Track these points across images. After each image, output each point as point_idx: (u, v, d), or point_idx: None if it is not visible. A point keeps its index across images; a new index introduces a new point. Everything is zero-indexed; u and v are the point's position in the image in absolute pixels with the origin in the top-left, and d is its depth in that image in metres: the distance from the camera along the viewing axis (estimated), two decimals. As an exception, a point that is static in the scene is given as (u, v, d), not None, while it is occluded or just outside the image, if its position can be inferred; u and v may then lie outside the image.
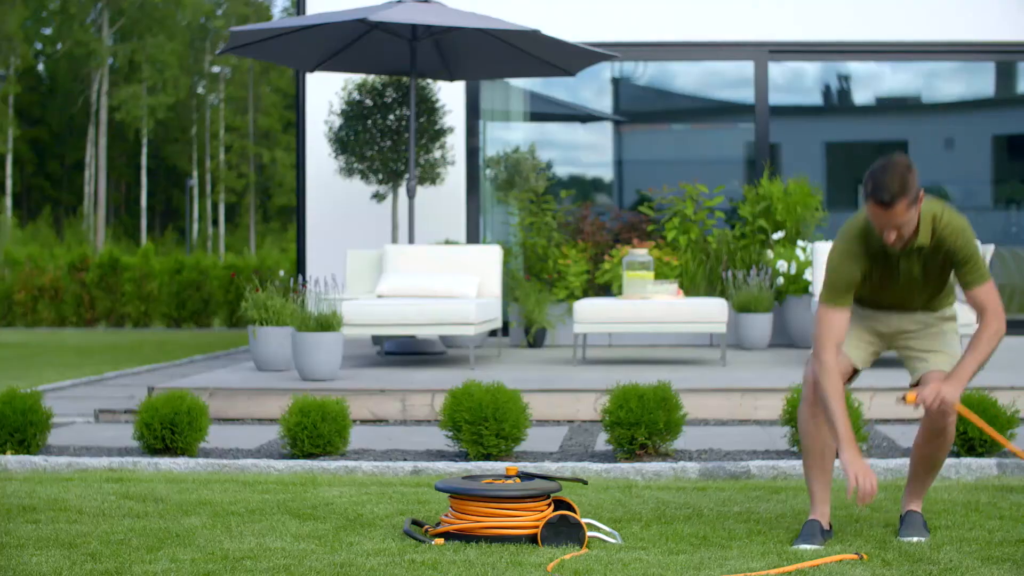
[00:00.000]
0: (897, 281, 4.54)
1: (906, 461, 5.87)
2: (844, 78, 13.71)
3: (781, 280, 11.03)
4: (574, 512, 4.55)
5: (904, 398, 4.38)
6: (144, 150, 51.65)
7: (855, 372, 4.71)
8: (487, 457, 6.19)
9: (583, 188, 13.67)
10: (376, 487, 5.57)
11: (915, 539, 4.47)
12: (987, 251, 8.66)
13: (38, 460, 6.11)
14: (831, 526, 4.61)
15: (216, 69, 54.57)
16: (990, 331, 4.43)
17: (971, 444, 6.05)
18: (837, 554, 4.25)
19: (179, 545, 4.40)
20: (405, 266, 10.00)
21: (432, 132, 11.60)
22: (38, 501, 5.22)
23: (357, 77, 11.80)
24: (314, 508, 5.07)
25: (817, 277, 9.74)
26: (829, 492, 4.63)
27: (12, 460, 6.12)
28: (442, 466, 5.99)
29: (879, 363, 9.30)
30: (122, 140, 54.25)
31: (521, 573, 3.99)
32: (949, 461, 5.85)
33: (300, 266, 12.79)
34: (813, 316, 9.67)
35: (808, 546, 4.37)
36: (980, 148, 13.82)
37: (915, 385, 4.65)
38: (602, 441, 6.78)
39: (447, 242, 11.56)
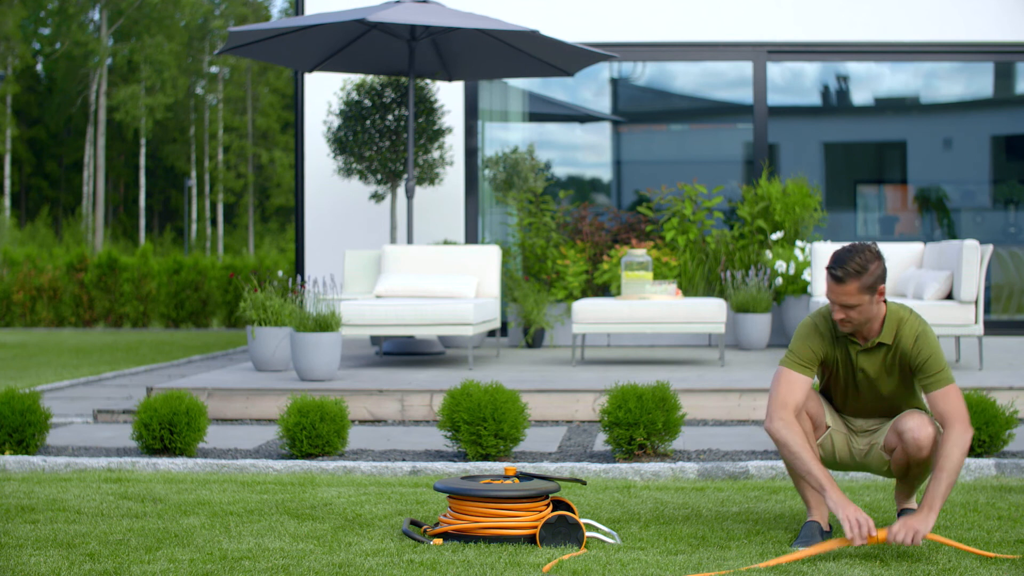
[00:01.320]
0: (858, 387, 4.54)
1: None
2: (843, 78, 13.72)
3: (780, 280, 11.03)
4: (573, 512, 4.55)
5: (869, 536, 4.17)
6: (142, 150, 51.64)
7: (826, 428, 4.63)
8: (486, 457, 6.19)
9: (582, 188, 13.68)
10: (375, 487, 5.57)
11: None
12: (986, 251, 8.66)
13: (36, 460, 6.11)
14: (831, 527, 4.61)
15: (214, 69, 54.57)
16: (958, 445, 4.28)
17: (970, 444, 6.04)
18: (836, 555, 4.25)
19: (178, 545, 4.39)
20: (403, 266, 10.00)
21: (431, 132, 11.60)
22: (36, 501, 5.21)
23: (356, 77, 11.80)
24: (313, 508, 5.07)
25: (816, 277, 9.74)
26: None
27: (10, 460, 6.12)
28: (440, 466, 5.99)
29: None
30: (120, 140, 54.25)
31: (520, 573, 3.99)
32: (948, 461, 5.84)
33: (299, 266, 12.79)
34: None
35: (806, 547, 4.37)
36: (979, 148, 13.82)
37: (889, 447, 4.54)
38: (601, 441, 6.78)
39: (445, 242, 11.55)
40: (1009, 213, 13.60)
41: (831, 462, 4.68)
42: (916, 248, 9.68)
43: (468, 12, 10.22)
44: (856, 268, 4.33)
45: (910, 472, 4.54)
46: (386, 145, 11.47)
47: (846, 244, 4.48)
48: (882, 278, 4.38)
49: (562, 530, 4.39)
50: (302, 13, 12.74)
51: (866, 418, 4.66)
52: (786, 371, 4.51)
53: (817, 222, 11.67)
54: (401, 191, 11.96)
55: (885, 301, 4.47)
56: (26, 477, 5.90)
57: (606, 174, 13.99)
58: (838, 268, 4.34)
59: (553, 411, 7.63)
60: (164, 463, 6.08)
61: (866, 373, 4.52)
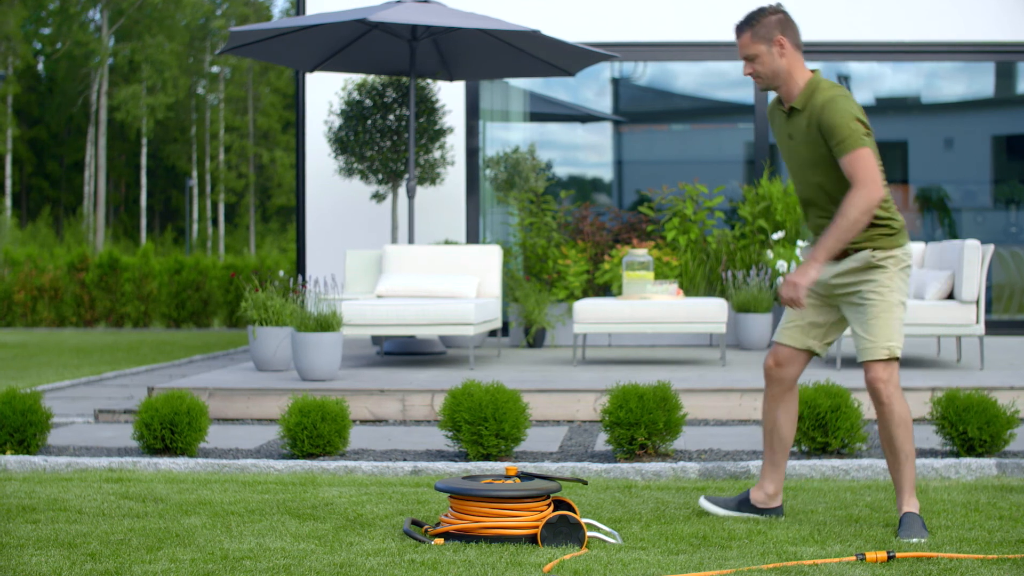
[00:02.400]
0: (790, 155, 4.78)
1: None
2: (843, 78, 13.71)
3: (781, 280, 11.03)
4: (574, 512, 4.55)
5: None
6: (143, 150, 51.65)
7: (810, 354, 4.84)
8: (487, 457, 6.19)
9: (583, 188, 13.68)
10: (376, 487, 5.57)
11: (915, 540, 4.47)
12: (987, 251, 8.66)
13: (38, 460, 6.11)
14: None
15: (216, 69, 54.57)
16: (854, 204, 4.49)
17: (971, 444, 6.05)
18: (837, 555, 4.25)
19: (179, 545, 4.40)
20: (405, 266, 10.00)
21: (432, 132, 11.60)
22: (38, 501, 5.22)
23: (357, 77, 11.80)
24: (314, 508, 5.07)
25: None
26: (770, 470, 4.89)
27: (12, 460, 6.12)
28: (442, 466, 5.99)
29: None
30: (122, 140, 54.25)
31: (521, 573, 3.99)
32: (949, 461, 5.84)
33: (300, 266, 12.79)
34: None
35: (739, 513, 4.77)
36: (979, 148, 13.82)
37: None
38: (602, 441, 6.78)
39: (447, 242, 11.55)
40: (1010, 213, 13.60)
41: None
42: (917, 248, 9.67)
43: (469, 12, 10.22)
44: (749, 20, 4.69)
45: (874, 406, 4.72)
46: (387, 145, 11.47)
47: None
48: (779, 29, 4.68)
49: (563, 530, 4.39)
50: (303, 13, 12.74)
51: (809, 203, 4.79)
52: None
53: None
54: (402, 191, 11.96)
55: (813, 74, 4.71)
56: (27, 477, 5.90)
57: (607, 174, 13.99)
58: (736, 25, 4.72)
59: (554, 411, 7.63)
60: (165, 463, 6.09)
61: (793, 139, 4.75)
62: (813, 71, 4.74)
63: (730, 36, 12.62)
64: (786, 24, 4.69)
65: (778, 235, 11.40)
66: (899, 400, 4.60)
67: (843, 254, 4.68)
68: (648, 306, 9.30)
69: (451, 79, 11.52)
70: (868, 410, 7.48)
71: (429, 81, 11.76)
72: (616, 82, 13.77)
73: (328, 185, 12.58)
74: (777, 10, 4.71)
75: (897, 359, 4.62)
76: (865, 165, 4.50)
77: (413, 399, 7.69)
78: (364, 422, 7.65)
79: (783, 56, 4.68)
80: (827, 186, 4.69)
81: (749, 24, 4.69)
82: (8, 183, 48.48)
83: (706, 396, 7.62)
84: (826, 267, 4.71)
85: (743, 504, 4.91)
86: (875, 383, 4.58)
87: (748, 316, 10.73)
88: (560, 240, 11.89)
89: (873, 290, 4.63)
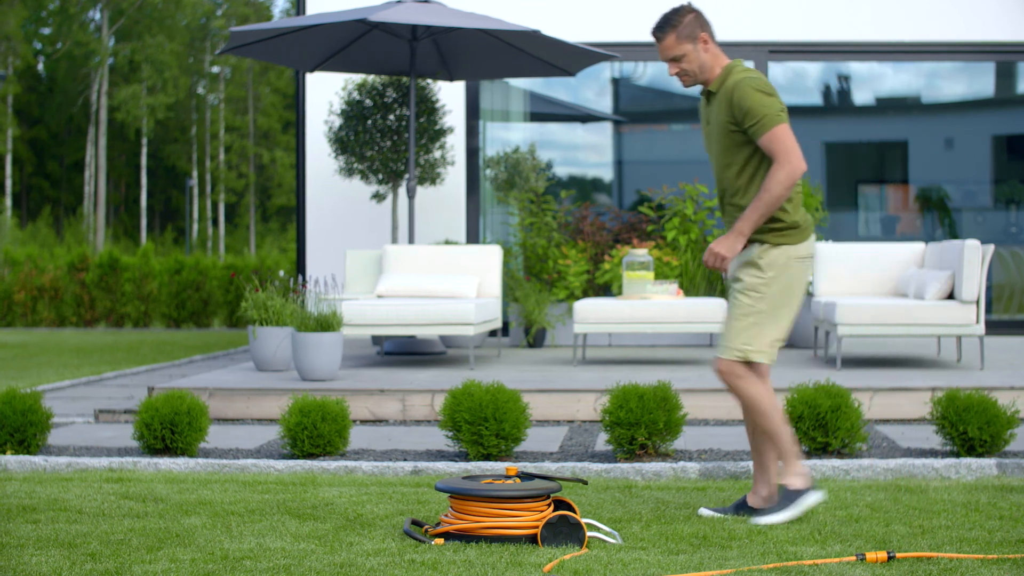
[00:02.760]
0: (708, 136, 4.88)
1: (906, 461, 5.87)
2: (844, 78, 13.72)
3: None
4: (574, 512, 4.55)
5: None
6: (144, 150, 51.66)
7: None
8: (487, 457, 6.19)
9: (583, 188, 13.68)
10: (376, 487, 5.57)
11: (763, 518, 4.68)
12: (987, 251, 8.66)
13: (38, 460, 6.11)
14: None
15: (216, 69, 54.57)
16: (775, 178, 4.62)
17: (971, 444, 6.05)
18: (837, 555, 4.25)
19: (179, 545, 4.40)
20: (405, 266, 10.00)
21: (432, 132, 11.60)
22: (38, 501, 5.22)
23: (357, 77, 11.80)
24: (314, 508, 5.07)
25: (817, 277, 9.74)
26: (760, 473, 4.93)
27: (12, 460, 6.12)
28: (442, 466, 5.99)
29: (879, 363, 9.31)
30: (122, 140, 54.26)
31: (521, 573, 3.99)
32: (949, 461, 5.84)
33: (300, 266, 12.79)
34: (812, 316, 9.68)
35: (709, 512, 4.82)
36: (980, 148, 13.82)
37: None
38: (602, 441, 6.78)
39: (447, 242, 11.55)
40: (1010, 213, 13.60)
41: None
42: (917, 248, 9.68)
43: (469, 12, 10.22)
44: (671, 21, 4.76)
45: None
46: (387, 145, 11.47)
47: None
48: (700, 27, 4.78)
49: (563, 530, 4.39)
50: (303, 13, 12.74)
51: (723, 188, 4.88)
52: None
53: (819, 222, 11.67)
54: (402, 191, 11.96)
55: (731, 60, 4.83)
56: (27, 477, 5.90)
57: (607, 174, 13.99)
58: (656, 28, 4.79)
59: (554, 411, 7.63)
60: (165, 463, 6.09)
61: (710, 124, 4.86)
62: (709, 39, 4.84)
63: (730, 36, 12.65)
64: (703, 20, 4.82)
65: (778, 235, 11.38)
66: (743, 388, 4.79)
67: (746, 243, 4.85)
68: (648, 306, 9.30)
69: (451, 79, 11.52)
70: (868, 411, 7.49)
71: (429, 81, 11.76)
72: (616, 82, 13.77)
73: (328, 185, 12.58)
74: (691, 8, 4.81)
75: (751, 362, 4.79)
76: (784, 141, 4.66)
77: (413, 399, 7.69)
78: (364, 422, 7.65)
79: (707, 51, 4.80)
80: (736, 171, 4.82)
81: (672, 26, 4.76)
82: (8, 183, 48.49)
83: (706, 396, 7.62)
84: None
85: (740, 509, 4.92)
86: (718, 375, 4.83)
87: (748, 316, 10.71)
88: (560, 240, 11.89)
89: (745, 292, 4.78)
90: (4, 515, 4.93)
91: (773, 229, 4.75)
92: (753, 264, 4.78)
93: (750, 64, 4.92)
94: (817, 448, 6.15)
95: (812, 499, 4.79)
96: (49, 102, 53.65)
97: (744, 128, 4.72)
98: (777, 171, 4.63)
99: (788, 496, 4.79)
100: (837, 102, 13.97)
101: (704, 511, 4.93)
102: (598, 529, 4.57)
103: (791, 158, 4.63)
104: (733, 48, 12.75)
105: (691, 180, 12.12)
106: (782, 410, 4.91)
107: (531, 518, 4.42)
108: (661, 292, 9.55)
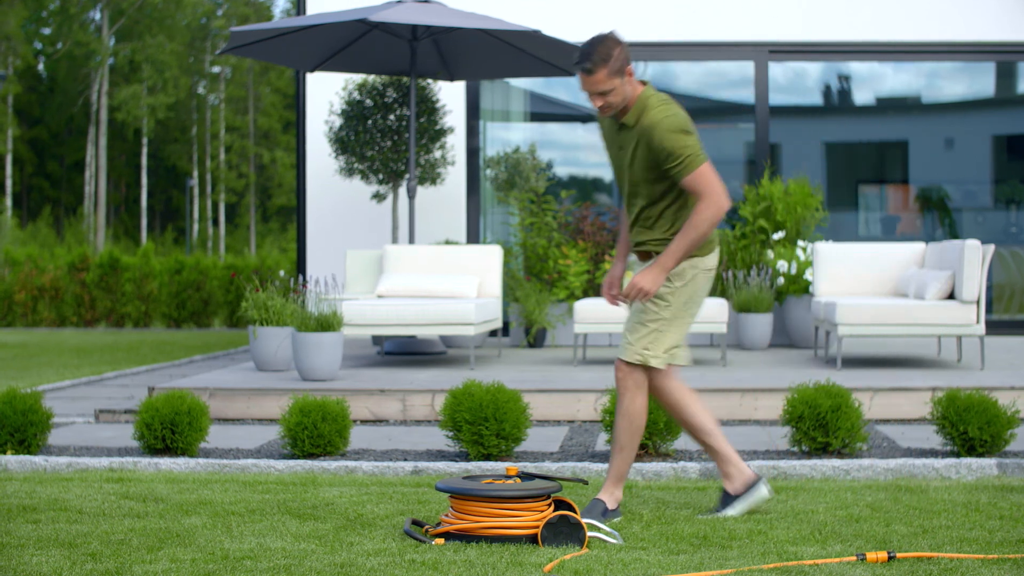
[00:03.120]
0: (620, 161, 4.86)
1: (906, 461, 5.87)
2: (844, 78, 13.71)
3: (781, 280, 11.03)
4: (574, 512, 4.55)
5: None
6: (144, 150, 51.65)
7: None
8: (487, 457, 6.19)
9: (583, 188, 13.67)
10: (376, 487, 5.57)
11: (587, 520, 4.63)
12: (987, 251, 8.66)
13: (38, 460, 6.11)
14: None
15: (216, 69, 54.57)
16: (700, 214, 4.67)
17: (971, 444, 6.05)
18: (837, 555, 4.25)
19: (179, 545, 4.40)
20: (405, 266, 10.00)
21: (432, 132, 11.60)
22: (38, 501, 5.22)
23: (357, 77, 11.80)
24: (314, 508, 5.07)
25: (818, 277, 9.74)
26: (721, 463, 4.94)
27: (12, 460, 6.12)
28: (442, 466, 5.99)
29: (880, 363, 9.30)
30: (122, 140, 54.26)
31: (521, 573, 3.99)
32: (949, 461, 5.84)
33: (300, 266, 12.79)
34: (812, 316, 9.69)
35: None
36: (980, 148, 13.82)
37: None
38: (602, 441, 6.78)
39: (447, 242, 11.55)
40: (1010, 213, 13.59)
41: None
42: (918, 248, 9.68)
43: (470, 12, 10.22)
44: (602, 56, 4.66)
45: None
46: (388, 145, 11.47)
47: (592, 37, 4.75)
48: (627, 60, 4.72)
49: (564, 530, 4.39)
50: (304, 13, 12.74)
51: (636, 213, 4.90)
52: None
53: (819, 222, 11.67)
54: (403, 191, 11.96)
55: (643, 83, 4.80)
56: (28, 477, 5.90)
57: (608, 174, 13.98)
58: (586, 61, 4.66)
59: (555, 411, 7.63)
60: (166, 463, 6.09)
61: (624, 151, 4.85)
62: (643, 83, 4.80)
63: (730, 36, 12.64)
64: (627, 51, 4.75)
65: (779, 235, 11.40)
66: (632, 398, 4.85)
67: (647, 256, 4.93)
68: (648, 306, 9.29)
69: (451, 79, 11.52)
70: (868, 411, 7.49)
71: (429, 81, 11.76)
72: (616, 82, 13.76)
73: (328, 185, 12.58)
74: (618, 40, 4.73)
75: (649, 367, 4.85)
76: (708, 181, 4.69)
77: (414, 399, 7.69)
78: (365, 422, 7.65)
79: (630, 84, 4.76)
80: (648, 203, 4.86)
81: (604, 62, 4.66)
82: (9, 183, 48.49)
83: (707, 396, 7.62)
84: (634, 266, 4.98)
85: (726, 501, 4.94)
86: (615, 372, 4.88)
87: (749, 316, 10.73)
88: (561, 240, 11.89)
89: (652, 300, 4.84)
90: (4, 515, 4.93)
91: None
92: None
93: (664, 95, 4.83)
94: (817, 448, 6.15)
95: (614, 521, 4.84)
96: (49, 102, 53.65)
97: (665, 168, 4.73)
98: (704, 210, 4.68)
99: (599, 505, 4.86)
100: (837, 102, 13.96)
101: (701, 516, 4.93)
102: (598, 529, 4.57)
103: (717, 197, 4.68)
104: (733, 48, 12.76)
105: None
106: (694, 409, 4.98)
107: (531, 518, 4.42)
108: (661, 292, 9.54)
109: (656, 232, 4.87)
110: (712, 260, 4.89)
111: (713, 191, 4.67)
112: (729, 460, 4.97)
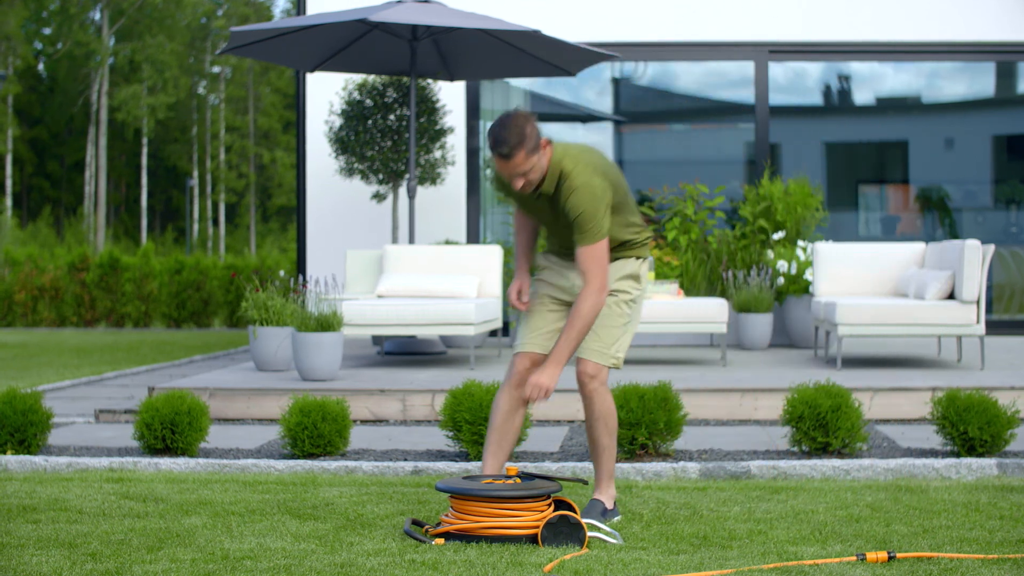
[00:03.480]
0: (538, 209, 4.83)
1: (906, 461, 5.87)
2: (844, 78, 13.72)
3: (781, 280, 11.03)
4: (574, 512, 4.55)
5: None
6: (144, 150, 51.65)
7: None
8: (487, 457, 6.19)
9: (583, 188, 13.65)
10: (376, 487, 5.57)
11: (588, 521, 4.61)
12: (987, 251, 8.66)
13: (38, 460, 6.11)
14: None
15: (216, 69, 54.57)
16: (583, 304, 4.61)
17: (971, 444, 6.05)
18: (837, 555, 4.26)
19: (179, 545, 4.40)
20: (405, 266, 10.00)
21: (432, 132, 11.60)
22: (38, 501, 5.22)
23: (357, 77, 11.80)
24: (314, 508, 5.07)
25: (818, 277, 9.74)
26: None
27: (12, 460, 6.12)
28: (442, 466, 5.99)
29: (880, 363, 9.31)
30: (122, 140, 54.26)
31: (521, 573, 3.99)
32: (949, 461, 5.84)
33: (300, 266, 12.79)
34: (812, 316, 9.68)
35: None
36: (980, 148, 13.82)
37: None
38: (602, 441, 6.77)
39: (447, 242, 11.55)
40: (1010, 213, 13.60)
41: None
42: (918, 248, 9.68)
43: (470, 12, 10.22)
44: (517, 139, 4.56)
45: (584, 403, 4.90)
46: (388, 145, 11.47)
47: (495, 120, 4.66)
48: (539, 133, 4.64)
49: (564, 530, 4.39)
50: (304, 13, 12.74)
51: (561, 246, 4.90)
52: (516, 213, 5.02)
53: (819, 222, 11.67)
54: (403, 191, 11.96)
55: (548, 142, 4.68)
56: (28, 477, 5.90)
57: (608, 174, 13.97)
58: (502, 146, 4.55)
59: (555, 411, 7.63)
60: (166, 463, 6.09)
61: (540, 200, 4.78)
62: (549, 142, 4.67)
63: (730, 36, 12.64)
64: (536, 125, 4.65)
65: (779, 235, 11.40)
66: (603, 399, 4.82)
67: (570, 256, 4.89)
68: (649, 306, 9.29)
69: (451, 79, 11.52)
70: (868, 411, 7.48)
71: (429, 81, 11.76)
72: (617, 82, 13.77)
73: (328, 185, 12.58)
74: (528, 115, 4.64)
75: (612, 367, 4.85)
76: (597, 263, 4.62)
77: (414, 399, 7.69)
78: (365, 422, 7.65)
79: (545, 155, 4.68)
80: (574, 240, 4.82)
81: (521, 144, 4.56)
82: (9, 183, 48.49)
83: (707, 396, 7.62)
84: (575, 270, 4.87)
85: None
86: (583, 376, 4.80)
87: (749, 316, 10.73)
88: (560, 240, 11.88)
89: (625, 303, 4.87)
90: (4, 515, 4.93)
91: (644, 244, 4.93)
92: (633, 276, 4.91)
93: (595, 146, 4.80)
94: (817, 448, 6.15)
95: (613, 520, 4.82)
96: (49, 102, 53.65)
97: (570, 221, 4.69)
98: (587, 298, 4.60)
99: (598, 505, 4.84)
100: (837, 102, 13.96)
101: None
102: (598, 529, 4.57)
103: (599, 284, 4.62)
104: (733, 48, 12.75)
105: (691, 180, 12.12)
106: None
107: (531, 518, 4.42)
108: (662, 292, 9.55)
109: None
110: (650, 260, 4.94)
111: (597, 276, 4.61)
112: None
